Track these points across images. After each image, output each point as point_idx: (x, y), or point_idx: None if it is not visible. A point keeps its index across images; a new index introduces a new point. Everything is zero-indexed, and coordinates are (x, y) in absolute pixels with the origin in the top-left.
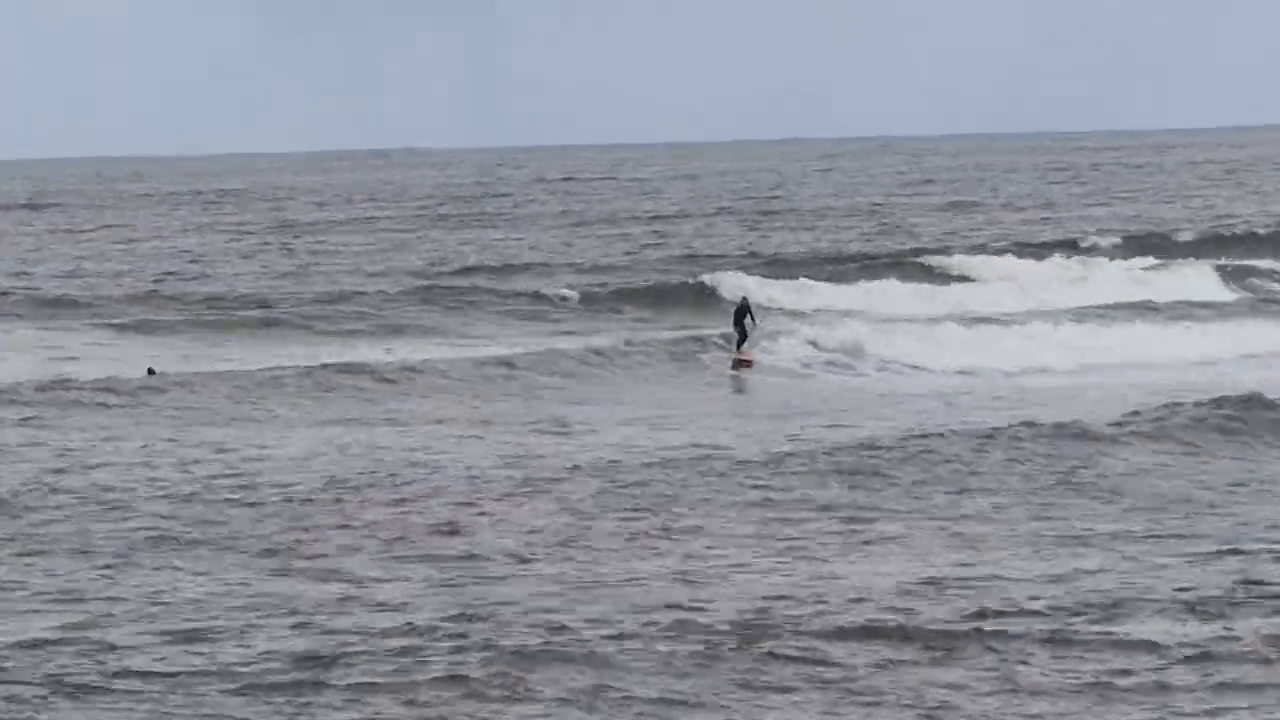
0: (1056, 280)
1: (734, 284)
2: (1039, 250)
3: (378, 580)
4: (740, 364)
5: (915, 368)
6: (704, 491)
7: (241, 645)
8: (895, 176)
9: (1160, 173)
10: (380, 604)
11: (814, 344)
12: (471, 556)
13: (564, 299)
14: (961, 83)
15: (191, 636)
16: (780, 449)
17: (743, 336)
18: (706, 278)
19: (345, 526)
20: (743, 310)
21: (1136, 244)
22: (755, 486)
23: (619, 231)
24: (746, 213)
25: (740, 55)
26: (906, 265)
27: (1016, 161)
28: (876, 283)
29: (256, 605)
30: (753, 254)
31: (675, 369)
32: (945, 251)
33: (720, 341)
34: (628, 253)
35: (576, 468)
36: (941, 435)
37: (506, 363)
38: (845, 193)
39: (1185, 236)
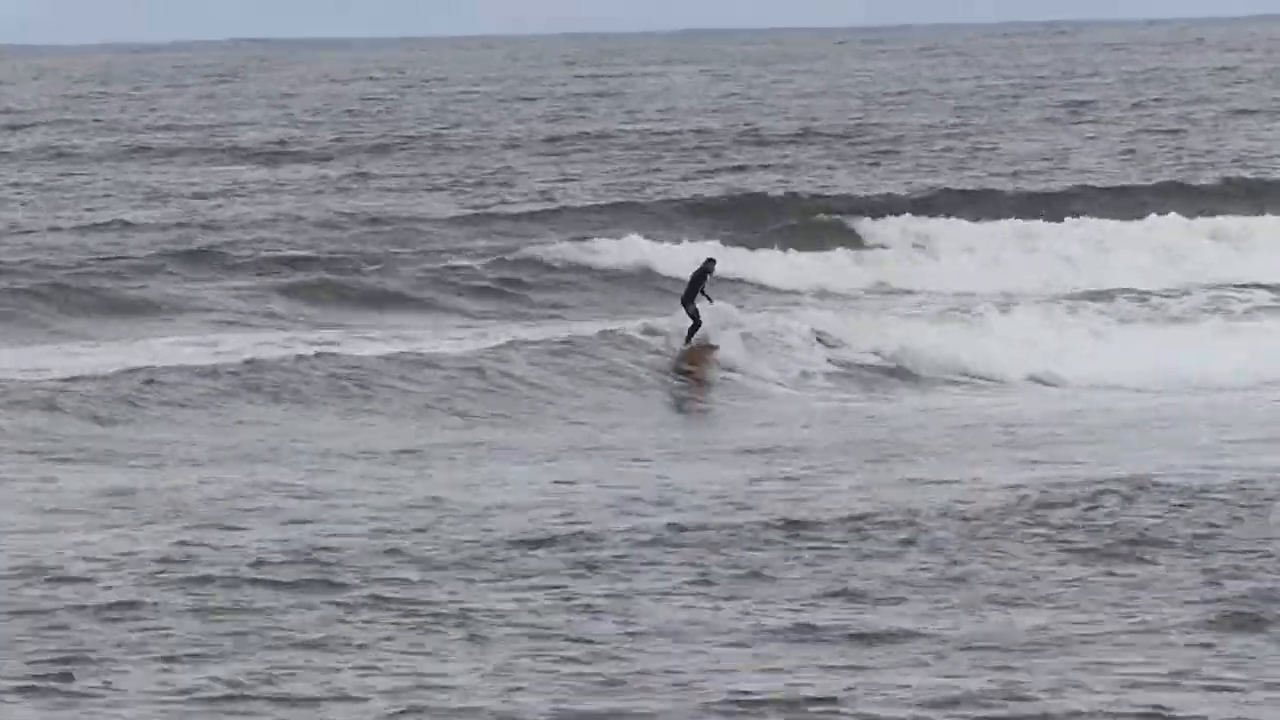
0: (1071, 251)
1: (634, 252)
2: (1015, 202)
3: None
4: (692, 364)
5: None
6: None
7: None
8: (765, 84)
9: (1208, 80)
10: None
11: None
12: None
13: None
14: None
15: None
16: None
17: (697, 321)
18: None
19: None
20: (700, 277)
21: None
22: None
23: (351, 170)
24: (560, 140)
25: None
26: (821, 226)
27: (949, 68)
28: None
29: None
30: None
31: (580, 382)
32: (874, 211)
33: (646, 337)
34: (396, 203)
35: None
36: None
37: (331, 368)
38: (703, 109)
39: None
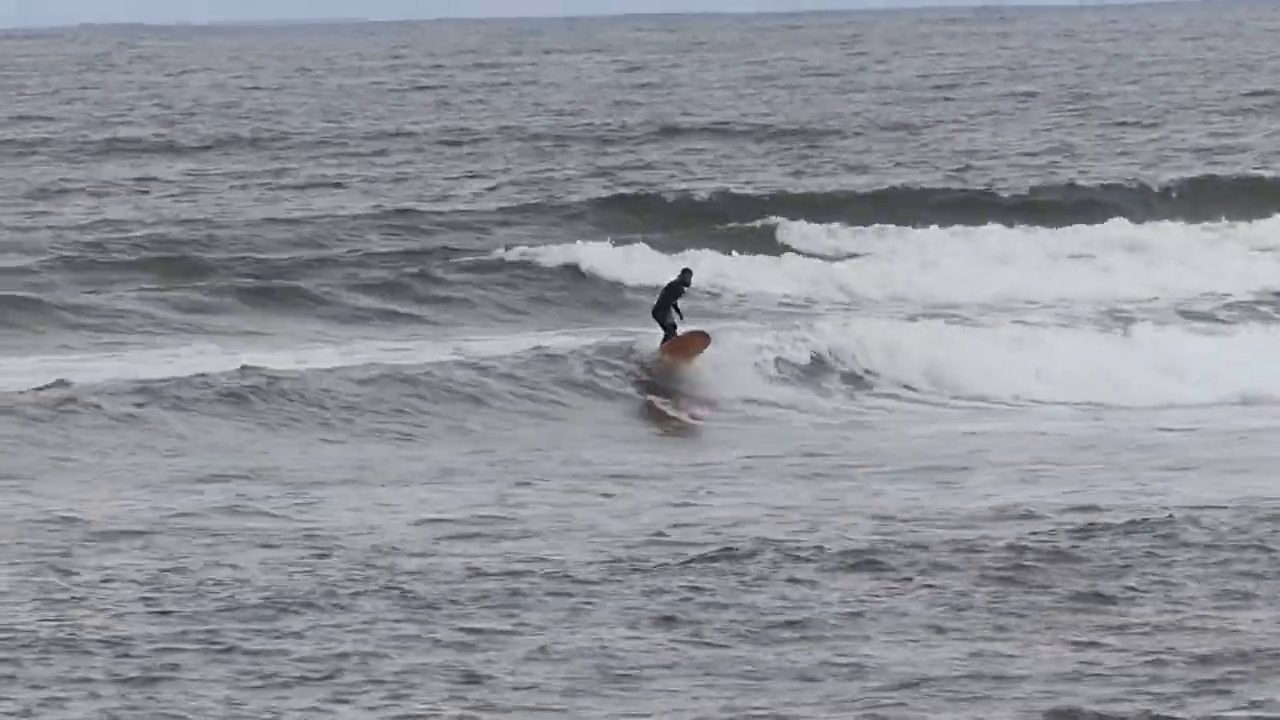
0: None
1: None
2: (959, 202)
3: None
4: (675, 352)
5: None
6: None
7: None
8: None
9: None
10: None
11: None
12: None
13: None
14: None
15: None
16: None
17: (670, 331)
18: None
19: None
20: (674, 289)
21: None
22: None
23: (246, 166)
24: (467, 133)
25: None
26: (758, 231)
27: (879, 55)
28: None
29: None
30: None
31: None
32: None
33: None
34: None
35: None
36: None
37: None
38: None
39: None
